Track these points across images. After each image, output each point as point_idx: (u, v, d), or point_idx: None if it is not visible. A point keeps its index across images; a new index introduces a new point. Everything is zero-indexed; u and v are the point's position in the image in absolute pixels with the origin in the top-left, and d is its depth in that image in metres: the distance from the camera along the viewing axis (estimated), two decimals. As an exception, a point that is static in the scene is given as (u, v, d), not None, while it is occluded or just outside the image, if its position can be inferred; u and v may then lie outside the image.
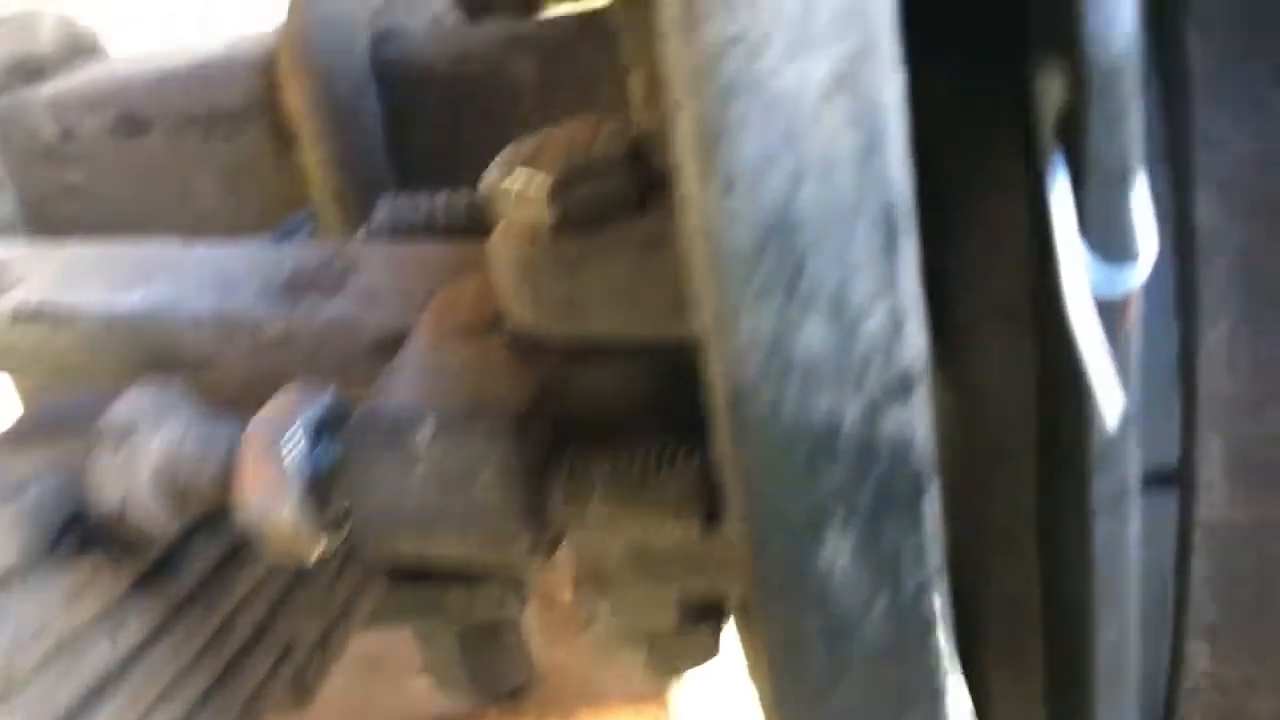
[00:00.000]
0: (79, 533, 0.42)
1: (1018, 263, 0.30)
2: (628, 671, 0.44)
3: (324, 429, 0.38)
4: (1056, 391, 0.29)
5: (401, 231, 0.51)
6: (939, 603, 0.26)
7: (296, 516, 0.36)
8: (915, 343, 0.25)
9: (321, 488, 0.37)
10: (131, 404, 0.39)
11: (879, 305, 0.25)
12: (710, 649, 0.44)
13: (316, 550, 0.37)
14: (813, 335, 0.25)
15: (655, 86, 0.43)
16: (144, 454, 0.38)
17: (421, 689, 0.76)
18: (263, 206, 0.63)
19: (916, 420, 0.25)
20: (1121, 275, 0.25)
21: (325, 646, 0.60)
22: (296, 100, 0.61)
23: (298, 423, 0.37)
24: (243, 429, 0.38)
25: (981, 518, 0.33)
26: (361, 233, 0.51)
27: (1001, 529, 0.33)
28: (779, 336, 0.25)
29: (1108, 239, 0.25)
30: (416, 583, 0.67)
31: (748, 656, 0.54)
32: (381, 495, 0.36)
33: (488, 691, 0.75)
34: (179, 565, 0.46)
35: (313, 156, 0.61)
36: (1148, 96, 0.26)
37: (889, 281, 0.24)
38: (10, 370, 0.60)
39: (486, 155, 0.57)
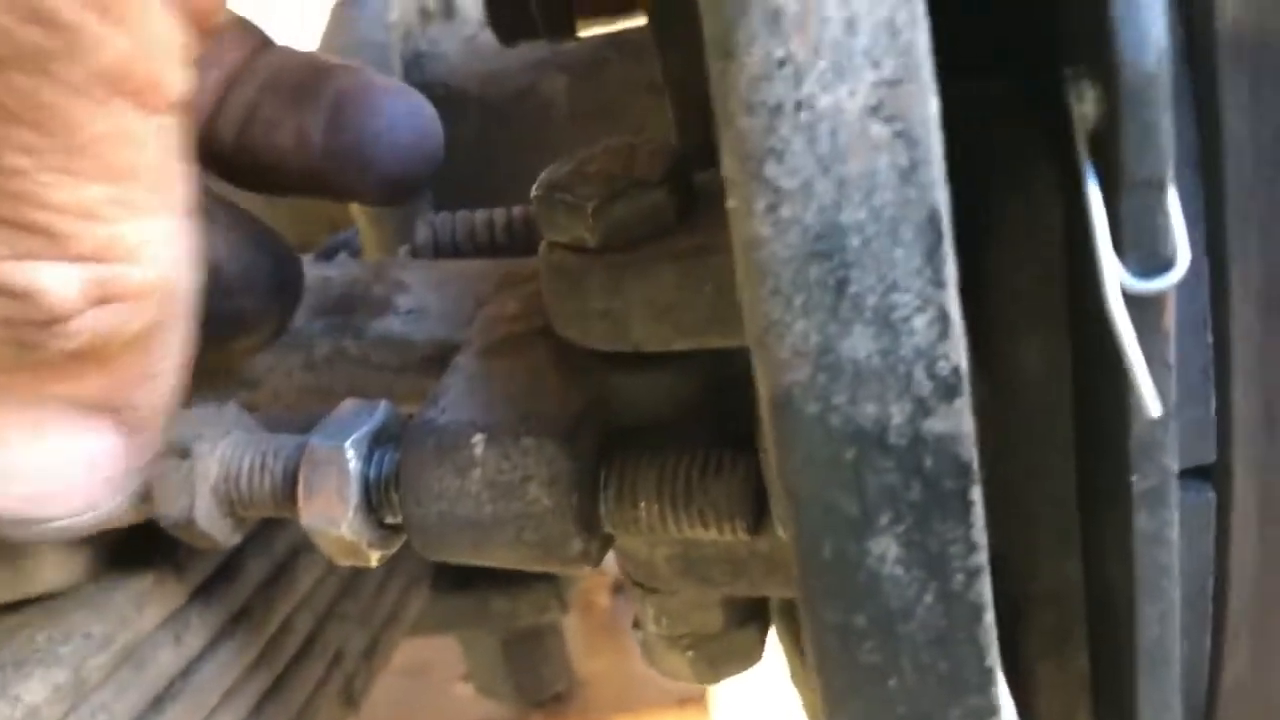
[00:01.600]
0: (143, 544, 0.44)
1: (1054, 267, 0.31)
2: (670, 676, 0.45)
3: (380, 441, 0.39)
4: (1095, 389, 0.30)
5: (444, 250, 0.53)
6: (987, 591, 0.27)
7: (357, 525, 0.38)
8: (957, 347, 0.26)
9: (379, 497, 0.38)
10: (191, 421, 0.41)
11: (922, 315, 0.26)
12: (755, 651, 0.45)
13: (376, 556, 0.39)
14: (859, 343, 0.26)
15: (689, 106, 0.44)
16: (206, 468, 0.40)
17: (465, 695, 0.77)
18: (303, 230, 0.65)
19: (961, 419, 0.26)
20: (1157, 278, 0.26)
21: (372, 656, 0.61)
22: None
23: (355, 435, 0.38)
24: (300, 443, 0.39)
25: (1024, 514, 0.34)
26: (404, 251, 0.53)
27: (1044, 524, 0.34)
28: (826, 345, 0.26)
29: (1143, 244, 0.27)
30: (460, 592, 0.69)
31: (789, 659, 0.55)
32: (437, 504, 0.37)
33: (530, 697, 0.76)
34: (236, 576, 0.48)
35: (352, 178, 0.62)
36: (1178, 105, 0.27)
37: (931, 291, 0.26)
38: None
39: (519, 176, 0.59)
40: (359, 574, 0.60)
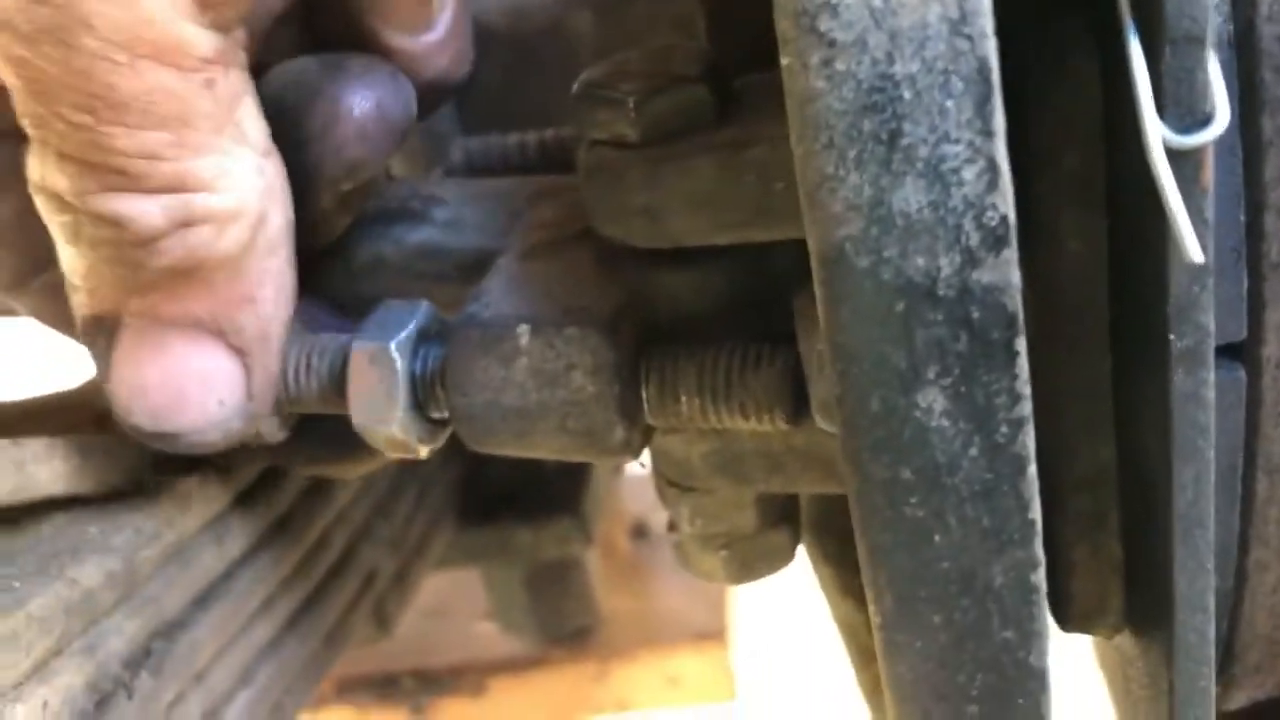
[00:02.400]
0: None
1: (1091, 141, 0.32)
2: (704, 577, 0.46)
3: (424, 338, 0.40)
4: (1133, 256, 0.31)
5: (475, 170, 0.53)
6: (1030, 442, 0.28)
7: (406, 421, 0.39)
8: (1006, 200, 0.27)
9: (426, 393, 0.39)
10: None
11: (972, 166, 0.27)
12: (787, 553, 0.46)
13: (425, 451, 0.40)
14: (910, 195, 0.27)
15: (721, 15, 0.45)
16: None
17: (487, 633, 0.79)
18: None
19: (1009, 270, 0.27)
20: (1198, 133, 0.27)
21: (404, 580, 0.62)
22: (365, 57, 0.63)
23: (402, 334, 0.39)
24: (345, 341, 0.40)
25: (1060, 392, 0.34)
26: (439, 171, 0.53)
27: (1080, 402, 0.34)
28: (878, 197, 0.27)
29: (1183, 100, 0.27)
30: (484, 526, 0.70)
31: (818, 572, 0.56)
32: (483, 394, 0.38)
33: (552, 632, 0.77)
34: (277, 483, 0.49)
35: (382, 111, 0.63)
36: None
37: (981, 141, 0.26)
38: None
39: (545, 111, 0.59)
40: (391, 498, 0.61)
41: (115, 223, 0.34)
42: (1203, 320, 0.30)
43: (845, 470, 0.30)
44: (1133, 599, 0.38)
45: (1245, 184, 0.33)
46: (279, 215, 0.38)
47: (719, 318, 0.40)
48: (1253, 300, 0.34)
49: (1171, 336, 0.30)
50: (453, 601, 0.80)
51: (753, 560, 0.45)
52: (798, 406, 0.38)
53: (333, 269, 0.46)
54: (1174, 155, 0.28)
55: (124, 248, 0.35)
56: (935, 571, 0.30)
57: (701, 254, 0.39)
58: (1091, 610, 0.39)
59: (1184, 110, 0.28)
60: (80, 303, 0.38)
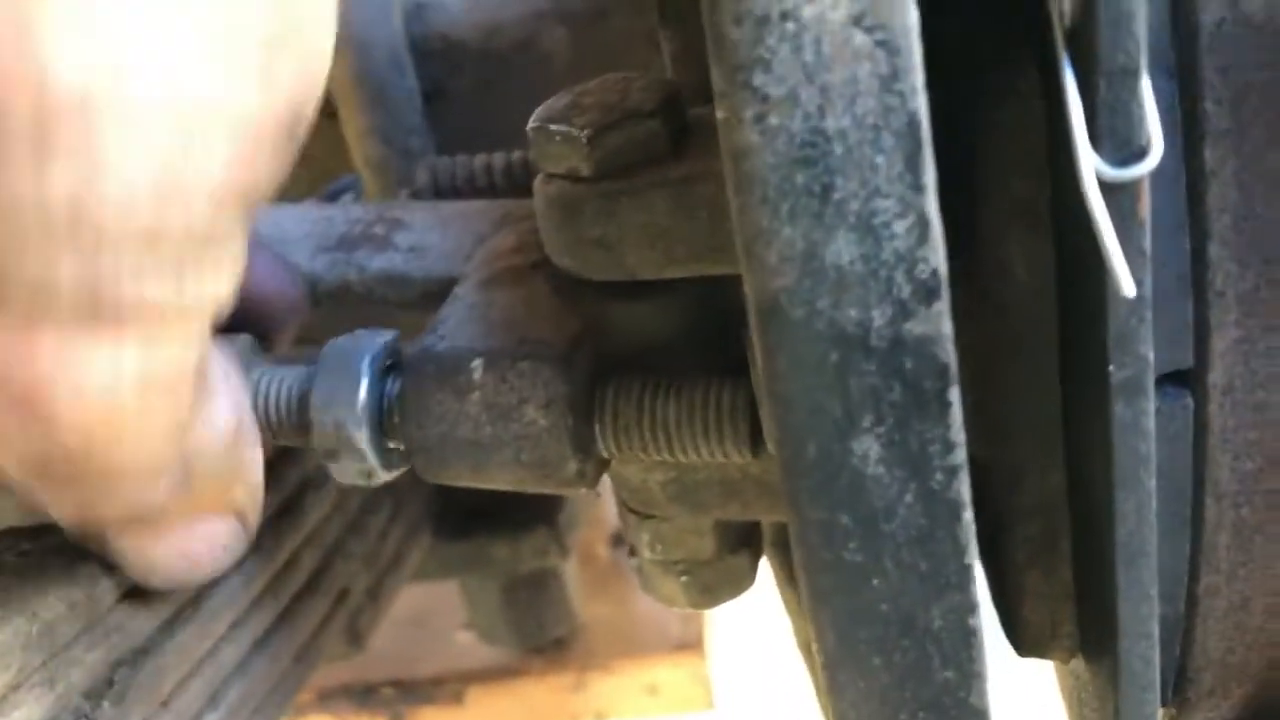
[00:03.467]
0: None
1: (1035, 170, 0.32)
2: (665, 602, 0.47)
3: (387, 368, 0.40)
4: (1076, 286, 0.31)
5: (444, 193, 0.54)
6: (965, 489, 0.28)
7: (368, 450, 0.39)
8: (936, 251, 0.27)
9: (387, 421, 0.40)
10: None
11: (903, 220, 0.27)
12: (747, 577, 0.46)
13: (386, 478, 0.40)
14: (843, 247, 0.27)
15: (685, 43, 0.45)
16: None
17: (466, 642, 0.79)
18: (310, 177, 0.66)
19: (940, 322, 0.27)
20: (1133, 166, 0.27)
21: (377, 596, 0.63)
22: (337, 73, 0.63)
23: (363, 362, 0.39)
24: (309, 372, 0.41)
25: (1007, 417, 0.35)
26: (405, 194, 0.53)
27: (1029, 433, 0.35)
28: (811, 250, 0.27)
29: (1118, 131, 0.28)
30: (461, 539, 0.70)
31: (781, 591, 0.56)
32: (438, 427, 0.39)
33: (530, 642, 0.78)
34: (244, 508, 0.49)
35: (353, 127, 0.63)
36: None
37: (911, 197, 0.27)
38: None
39: (519, 128, 0.60)
40: (364, 514, 0.61)
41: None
42: (1142, 350, 0.30)
43: (787, 513, 0.30)
44: (1083, 624, 0.38)
45: (1189, 213, 0.33)
46: (248, 411, 0.39)
47: (675, 349, 0.40)
48: (1199, 328, 0.34)
49: (1111, 367, 0.30)
50: (432, 611, 0.81)
51: (713, 585, 0.45)
52: (754, 438, 0.38)
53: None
54: (1110, 188, 0.28)
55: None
56: (875, 614, 0.30)
57: (657, 286, 0.39)
58: (1044, 636, 0.40)
59: (1119, 142, 0.28)
60: (63, 520, 0.38)
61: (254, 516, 0.42)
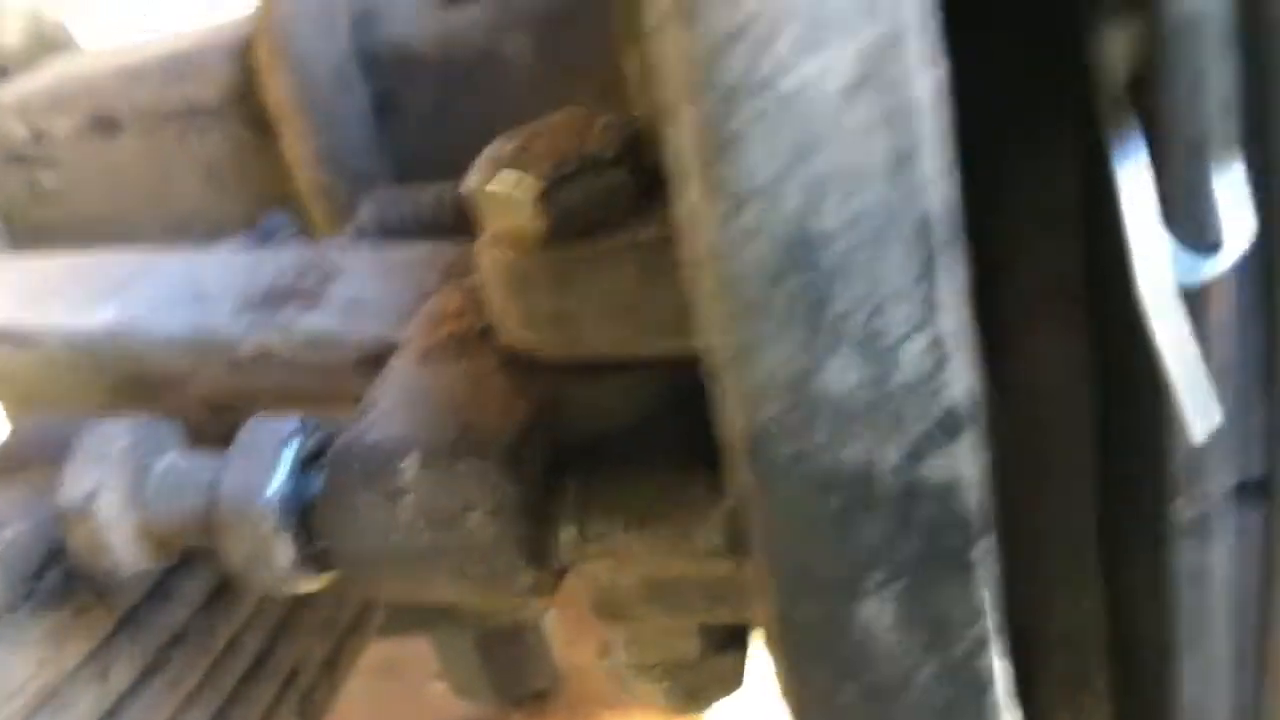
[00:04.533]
0: (60, 571, 0.40)
1: (1073, 249, 0.26)
2: (647, 705, 0.41)
3: (305, 462, 0.34)
4: (1125, 396, 0.25)
5: (389, 230, 0.48)
6: (996, 662, 0.23)
7: (282, 558, 0.33)
8: (962, 376, 0.21)
9: (306, 525, 0.34)
10: (100, 442, 0.36)
11: (918, 336, 0.21)
12: (736, 678, 0.41)
13: (307, 588, 0.34)
14: (843, 372, 0.21)
15: (651, 71, 0.39)
16: (115, 498, 0.35)
17: (440, 694, 0.74)
18: (245, 204, 0.60)
19: (965, 463, 0.21)
20: (1204, 262, 0.21)
21: (334, 665, 0.57)
22: (276, 91, 0.57)
23: (274, 473, 0.34)
24: (219, 464, 0.35)
25: (1035, 541, 0.29)
26: (345, 233, 0.47)
27: (1059, 553, 0.29)
28: (804, 373, 0.21)
29: (1186, 219, 0.22)
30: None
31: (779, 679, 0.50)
32: (365, 535, 0.33)
33: (509, 696, 0.72)
34: (169, 599, 0.43)
35: (295, 151, 0.57)
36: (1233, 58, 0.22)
37: (928, 308, 0.21)
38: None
39: (482, 143, 0.54)
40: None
41: None
42: (1212, 488, 0.24)
43: (780, 678, 0.25)
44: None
45: (1262, 304, 0.27)
46: None
47: (642, 436, 0.34)
48: (1269, 433, 0.28)
49: (1175, 504, 0.24)
50: (404, 661, 0.75)
51: (698, 689, 0.40)
52: (736, 538, 0.33)
53: (216, 365, 0.41)
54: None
55: None
56: (886, 797, 0.25)
57: (621, 363, 0.34)
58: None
59: (1188, 232, 0.23)
60: None
61: None
